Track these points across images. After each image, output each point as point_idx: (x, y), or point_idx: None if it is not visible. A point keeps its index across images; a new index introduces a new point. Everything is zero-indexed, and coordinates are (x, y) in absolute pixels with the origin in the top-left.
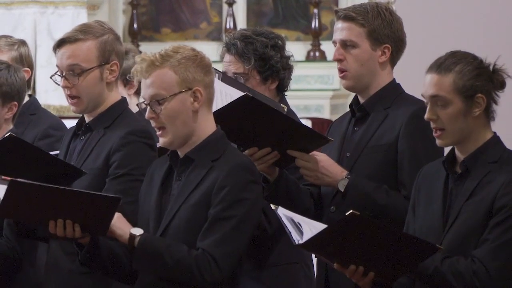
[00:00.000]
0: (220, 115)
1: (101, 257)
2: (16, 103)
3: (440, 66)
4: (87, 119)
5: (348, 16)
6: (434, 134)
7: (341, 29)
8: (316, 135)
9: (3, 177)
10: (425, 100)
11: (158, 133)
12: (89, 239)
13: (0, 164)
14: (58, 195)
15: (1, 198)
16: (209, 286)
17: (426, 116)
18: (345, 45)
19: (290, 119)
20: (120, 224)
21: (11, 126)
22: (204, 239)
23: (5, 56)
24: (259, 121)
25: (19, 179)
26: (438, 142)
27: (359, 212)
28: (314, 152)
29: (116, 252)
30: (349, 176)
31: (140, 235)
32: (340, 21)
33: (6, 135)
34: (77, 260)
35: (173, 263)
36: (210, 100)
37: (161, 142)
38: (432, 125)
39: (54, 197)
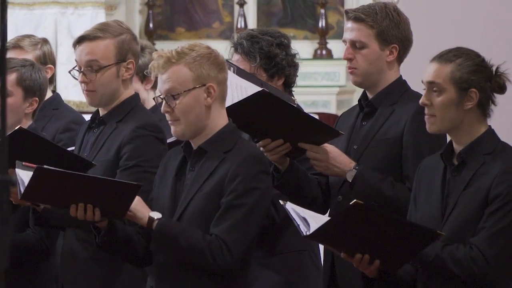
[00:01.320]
0: (236, 109)
1: (117, 241)
2: (37, 99)
3: (442, 56)
4: (101, 113)
5: (358, 17)
6: (425, 118)
7: (351, 30)
8: (328, 129)
9: (24, 163)
10: (423, 87)
11: (171, 124)
12: (107, 223)
13: (13, 156)
14: (81, 181)
15: (24, 182)
16: (221, 270)
17: (421, 100)
18: (355, 45)
19: (304, 113)
20: (140, 208)
21: (31, 122)
22: (216, 226)
23: (30, 56)
24: (274, 114)
25: (45, 166)
26: (428, 127)
27: (363, 201)
28: (324, 144)
29: (131, 237)
30: (357, 167)
31: (158, 218)
32: (350, 21)
33: (16, 128)
34: (90, 247)
35: (187, 247)
36: (223, 97)
37: (173, 132)
38: (426, 111)
39: (77, 183)
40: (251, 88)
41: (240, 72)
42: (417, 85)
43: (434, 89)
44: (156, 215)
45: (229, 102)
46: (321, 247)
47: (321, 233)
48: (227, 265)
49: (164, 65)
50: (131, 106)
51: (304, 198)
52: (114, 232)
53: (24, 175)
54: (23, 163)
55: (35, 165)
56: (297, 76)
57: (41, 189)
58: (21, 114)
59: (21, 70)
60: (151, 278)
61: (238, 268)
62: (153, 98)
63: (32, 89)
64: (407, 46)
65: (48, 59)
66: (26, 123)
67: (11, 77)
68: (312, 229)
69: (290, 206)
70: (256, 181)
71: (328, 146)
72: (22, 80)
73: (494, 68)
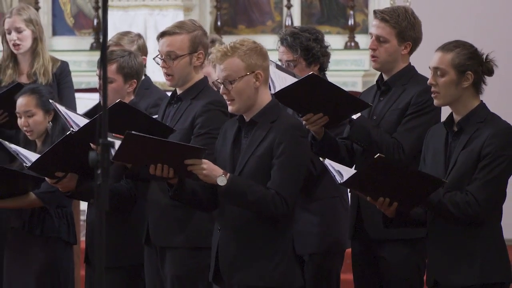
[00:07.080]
0: (286, 91)
1: (186, 193)
2: (135, 80)
3: (444, 47)
4: (178, 92)
5: (384, 18)
6: (432, 95)
7: (377, 27)
8: (360, 102)
9: (114, 134)
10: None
11: (228, 103)
12: (177, 180)
13: (112, 123)
14: (159, 145)
15: (115, 148)
16: (280, 217)
17: (428, 81)
18: (379, 39)
19: (344, 91)
20: (209, 172)
21: (132, 97)
22: (274, 182)
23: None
24: (317, 92)
25: (132, 132)
26: (434, 101)
27: (384, 155)
28: None
29: (197, 190)
30: (360, 114)
31: (227, 179)
32: (377, 20)
33: (116, 102)
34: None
35: (255, 200)
36: (266, 79)
37: (230, 109)
38: (432, 89)
39: (156, 146)
40: (288, 78)
41: (278, 67)
42: (425, 71)
43: (438, 72)
44: (222, 181)
45: (270, 86)
46: (349, 194)
47: (352, 181)
48: (284, 213)
49: (221, 57)
50: (202, 87)
51: (335, 158)
52: (183, 187)
53: (114, 144)
54: (113, 134)
55: (122, 136)
56: (329, 62)
57: (129, 151)
58: (124, 93)
59: (120, 60)
60: (218, 221)
61: (290, 214)
62: (212, 83)
63: (130, 74)
64: (418, 43)
65: (141, 51)
66: (128, 99)
67: (112, 67)
68: (345, 178)
69: (328, 162)
70: (298, 144)
71: None
72: (121, 68)
73: (484, 56)
